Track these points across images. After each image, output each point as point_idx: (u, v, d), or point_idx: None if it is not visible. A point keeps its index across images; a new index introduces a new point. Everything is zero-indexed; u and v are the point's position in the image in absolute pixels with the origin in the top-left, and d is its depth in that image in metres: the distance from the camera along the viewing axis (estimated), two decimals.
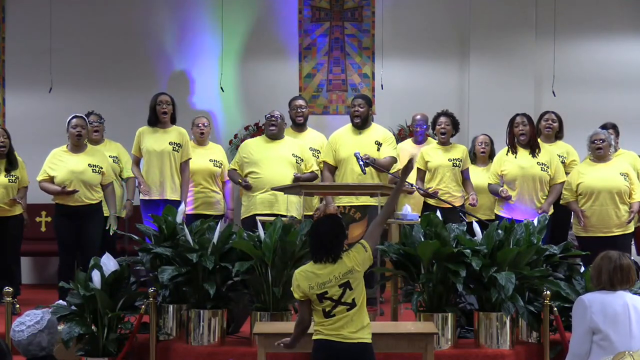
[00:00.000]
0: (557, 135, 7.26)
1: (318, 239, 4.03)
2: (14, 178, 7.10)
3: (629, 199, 6.59)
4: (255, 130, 8.82)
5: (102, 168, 6.80)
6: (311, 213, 6.64)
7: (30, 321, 3.88)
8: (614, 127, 7.16)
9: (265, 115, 6.90)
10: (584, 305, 4.14)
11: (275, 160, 6.65)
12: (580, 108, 8.70)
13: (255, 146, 6.84)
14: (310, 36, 9.26)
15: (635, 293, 4.49)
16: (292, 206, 6.58)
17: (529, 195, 6.71)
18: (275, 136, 6.80)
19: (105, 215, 6.91)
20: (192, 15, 9.25)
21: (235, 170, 6.89)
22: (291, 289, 4.07)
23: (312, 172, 6.80)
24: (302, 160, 6.73)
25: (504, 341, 5.21)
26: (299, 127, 7.20)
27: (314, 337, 4.01)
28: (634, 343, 4.00)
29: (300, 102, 7.23)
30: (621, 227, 6.56)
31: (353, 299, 3.96)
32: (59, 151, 6.83)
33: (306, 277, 3.99)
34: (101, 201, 6.84)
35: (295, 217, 6.15)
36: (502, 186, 6.77)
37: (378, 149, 6.69)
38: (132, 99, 8.72)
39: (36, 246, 8.25)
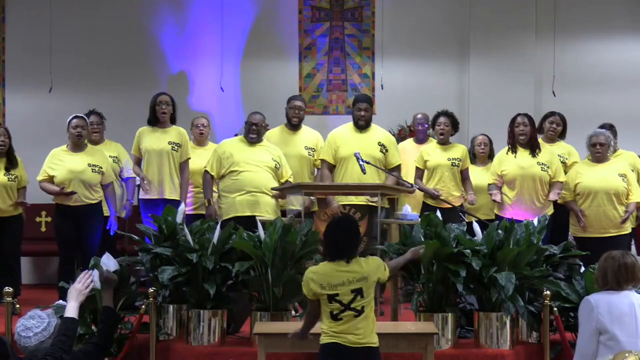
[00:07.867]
0: (560, 136, 7.27)
1: (333, 239, 4.05)
2: (13, 177, 7.10)
3: (626, 199, 6.59)
4: None
5: (101, 168, 6.79)
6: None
7: (37, 327, 3.89)
8: (612, 127, 7.14)
9: (246, 121, 6.74)
10: (590, 305, 4.13)
11: (255, 163, 6.54)
12: (580, 108, 8.70)
13: (235, 147, 6.67)
14: (310, 36, 9.26)
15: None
16: (270, 208, 6.50)
17: (529, 195, 6.70)
18: (255, 141, 6.70)
19: (105, 215, 6.91)
20: (192, 15, 9.26)
21: (212, 177, 6.65)
22: (303, 287, 4.08)
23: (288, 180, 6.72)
24: (280, 165, 6.64)
25: (504, 341, 5.20)
26: (294, 127, 7.16)
27: (321, 341, 4.01)
28: None
29: (299, 103, 7.11)
30: (618, 227, 6.56)
31: (362, 307, 3.96)
32: (58, 151, 6.82)
33: (318, 277, 3.99)
34: (101, 201, 6.84)
35: (294, 217, 6.14)
36: (501, 186, 6.78)
37: (381, 150, 6.69)
38: (132, 99, 8.72)
39: (36, 246, 8.26)
